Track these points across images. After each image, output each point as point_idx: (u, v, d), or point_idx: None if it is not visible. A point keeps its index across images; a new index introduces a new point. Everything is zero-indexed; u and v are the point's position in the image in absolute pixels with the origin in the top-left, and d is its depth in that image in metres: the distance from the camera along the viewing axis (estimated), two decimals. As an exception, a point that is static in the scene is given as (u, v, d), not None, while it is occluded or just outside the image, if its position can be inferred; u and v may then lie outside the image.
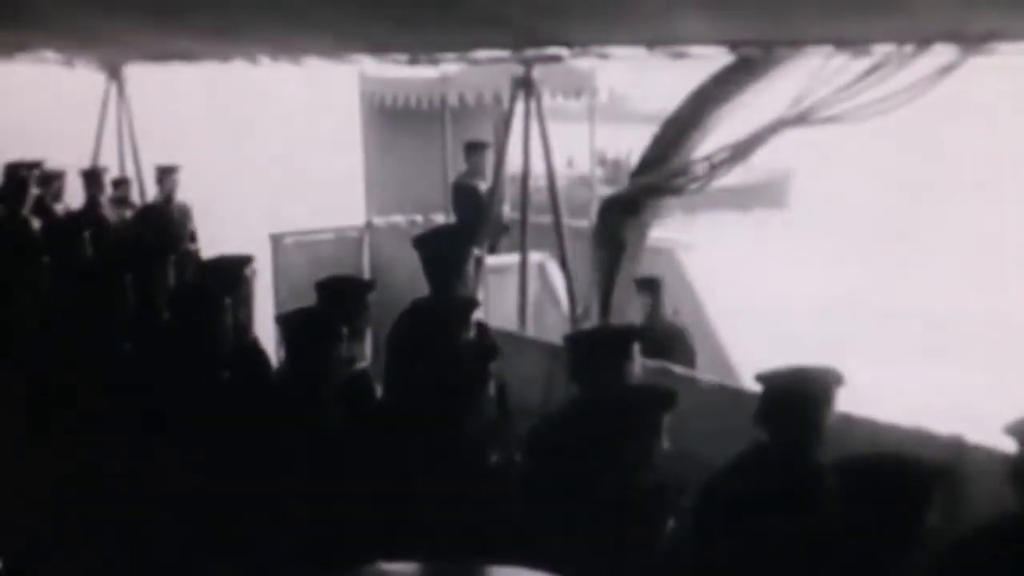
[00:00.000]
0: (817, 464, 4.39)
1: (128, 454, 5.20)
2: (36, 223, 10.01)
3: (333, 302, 5.85)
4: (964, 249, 25.33)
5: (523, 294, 8.76)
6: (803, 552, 3.87)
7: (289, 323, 5.42)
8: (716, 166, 7.06)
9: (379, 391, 5.70)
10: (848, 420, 4.72)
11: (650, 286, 8.47)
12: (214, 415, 5.15)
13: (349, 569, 3.55)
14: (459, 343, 5.54)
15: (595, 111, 12.91)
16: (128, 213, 11.64)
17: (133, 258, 6.94)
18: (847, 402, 4.67)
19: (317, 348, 5.16)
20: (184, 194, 11.60)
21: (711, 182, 7.23)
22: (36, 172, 11.10)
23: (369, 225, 12.45)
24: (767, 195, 34.75)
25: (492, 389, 4.78)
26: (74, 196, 11.71)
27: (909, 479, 3.64)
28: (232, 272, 6.59)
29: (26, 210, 10.11)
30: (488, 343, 5.59)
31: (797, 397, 4.48)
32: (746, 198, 33.98)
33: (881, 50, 5.70)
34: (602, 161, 28.35)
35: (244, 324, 6.40)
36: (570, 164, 21.20)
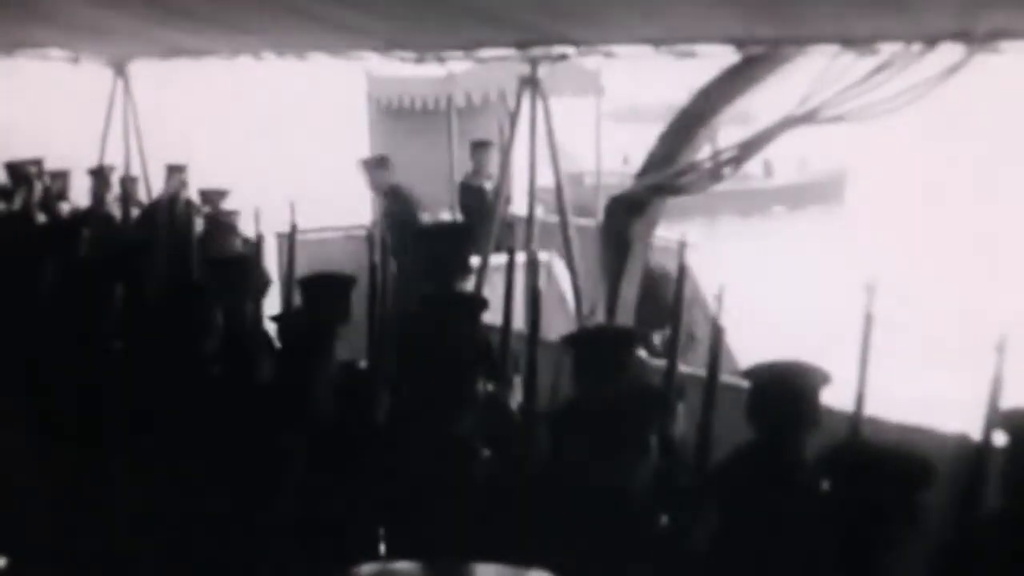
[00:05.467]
0: (801, 459, 4.38)
1: (122, 453, 5.21)
2: (40, 220, 10.01)
3: (319, 299, 5.87)
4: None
5: (509, 292, 8.70)
6: (791, 546, 3.88)
7: (283, 323, 5.44)
8: (723, 165, 7.05)
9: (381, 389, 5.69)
10: (854, 418, 4.70)
11: None
12: (212, 413, 5.14)
13: (348, 569, 3.55)
14: (461, 341, 5.53)
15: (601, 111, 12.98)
16: (135, 211, 11.64)
17: (123, 256, 6.94)
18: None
19: (310, 347, 5.17)
20: (187, 192, 11.59)
21: (717, 181, 7.21)
22: (38, 170, 11.11)
23: (376, 224, 12.43)
24: (823, 194, 34.64)
25: (486, 387, 4.80)
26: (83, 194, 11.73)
27: (894, 471, 3.63)
28: (241, 270, 6.60)
29: (30, 207, 10.12)
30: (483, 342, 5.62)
31: (779, 393, 4.46)
32: (801, 198, 33.93)
33: (888, 49, 5.69)
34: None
35: (254, 321, 6.40)
36: (625, 162, 21.50)
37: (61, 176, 11.60)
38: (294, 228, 7.10)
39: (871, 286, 4.54)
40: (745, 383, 4.61)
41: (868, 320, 4.56)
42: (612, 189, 8.45)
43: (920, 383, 14.31)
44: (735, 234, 28.88)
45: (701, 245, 12.01)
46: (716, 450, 4.68)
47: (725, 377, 4.88)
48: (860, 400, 4.64)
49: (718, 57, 6.81)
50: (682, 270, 5.07)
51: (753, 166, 32.79)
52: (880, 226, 28.92)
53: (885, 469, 3.62)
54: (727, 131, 7.34)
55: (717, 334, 4.76)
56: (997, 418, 4.06)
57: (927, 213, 30.11)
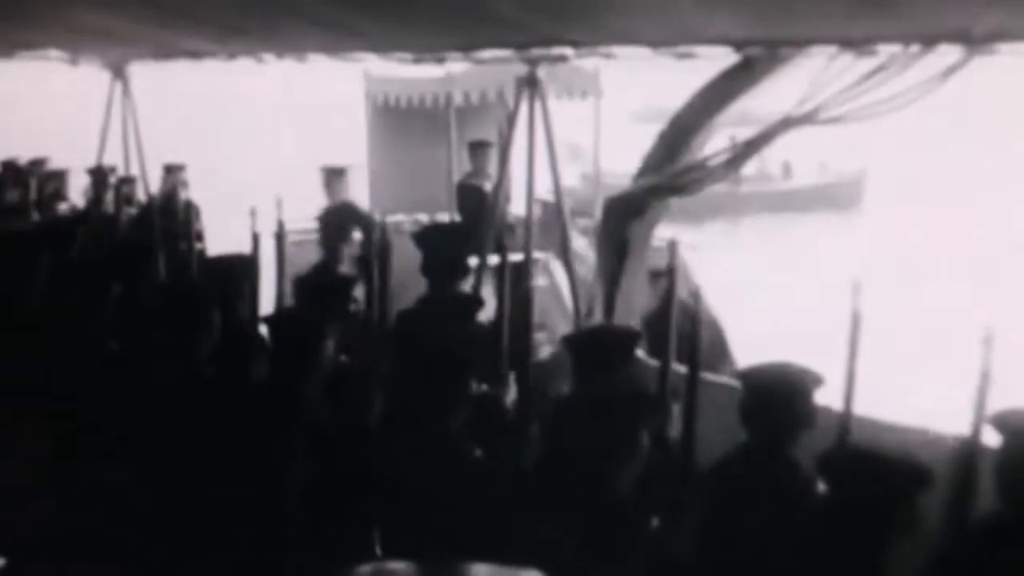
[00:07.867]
0: (794, 461, 4.40)
1: (119, 454, 5.20)
2: (35, 219, 10.01)
3: (315, 298, 5.87)
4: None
5: (502, 292, 8.71)
6: (784, 549, 3.88)
7: (274, 322, 5.44)
8: (721, 166, 7.04)
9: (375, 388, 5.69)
10: (852, 419, 4.71)
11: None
12: (204, 413, 5.14)
13: (342, 569, 3.54)
14: (456, 341, 5.53)
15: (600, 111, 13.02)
16: (133, 211, 11.63)
17: (119, 256, 6.94)
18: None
19: (301, 347, 5.16)
20: (188, 192, 11.59)
21: (716, 182, 7.21)
22: (36, 169, 11.09)
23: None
24: (841, 197, 34.54)
25: (479, 386, 4.81)
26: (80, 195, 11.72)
27: (893, 475, 3.63)
28: (236, 270, 6.59)
29: (25, 206, 10.11)
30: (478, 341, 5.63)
31: (771, 395, 4.48)
32: (820, 200, 33.84)
33: (887, 50, 5.69)
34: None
35: (250, 322, 6.39)
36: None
37: (57, 176, 11.59)
38: (281, 226, 7.13)
39: (856, 286, 4.58)
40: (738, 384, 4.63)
41: (855, 320, 4.60)
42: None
43: (921, 384, 14.33)
44: (751, 235, 28.87)
45: (720, 245, 12.02)
46: (711, 451, 4.69)
47: (721, 378, 4.90)
48: (848, 400, 4.66)
49: (717, 59, 6.81)
50: (671, 271, 5.07)
51: (773, 168, 32.97)
52: (897, 228, 28.85)
53: (884, 473, 3.62)
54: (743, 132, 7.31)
55: (696, 334, 4.77)
56: (985, 414, 4.06)
57: (945, 216, 29.99)
